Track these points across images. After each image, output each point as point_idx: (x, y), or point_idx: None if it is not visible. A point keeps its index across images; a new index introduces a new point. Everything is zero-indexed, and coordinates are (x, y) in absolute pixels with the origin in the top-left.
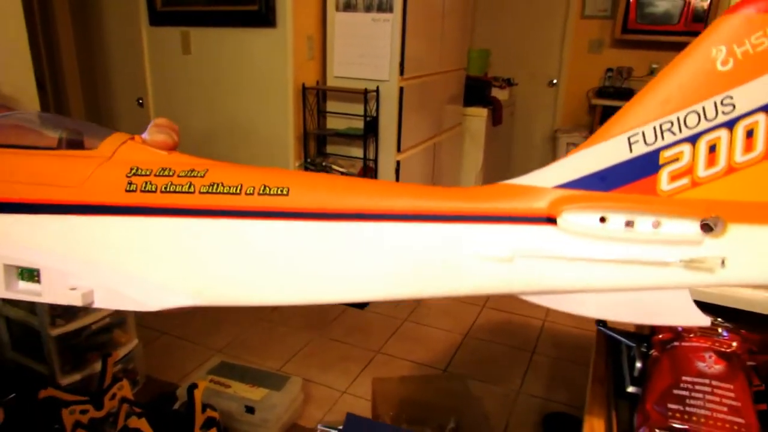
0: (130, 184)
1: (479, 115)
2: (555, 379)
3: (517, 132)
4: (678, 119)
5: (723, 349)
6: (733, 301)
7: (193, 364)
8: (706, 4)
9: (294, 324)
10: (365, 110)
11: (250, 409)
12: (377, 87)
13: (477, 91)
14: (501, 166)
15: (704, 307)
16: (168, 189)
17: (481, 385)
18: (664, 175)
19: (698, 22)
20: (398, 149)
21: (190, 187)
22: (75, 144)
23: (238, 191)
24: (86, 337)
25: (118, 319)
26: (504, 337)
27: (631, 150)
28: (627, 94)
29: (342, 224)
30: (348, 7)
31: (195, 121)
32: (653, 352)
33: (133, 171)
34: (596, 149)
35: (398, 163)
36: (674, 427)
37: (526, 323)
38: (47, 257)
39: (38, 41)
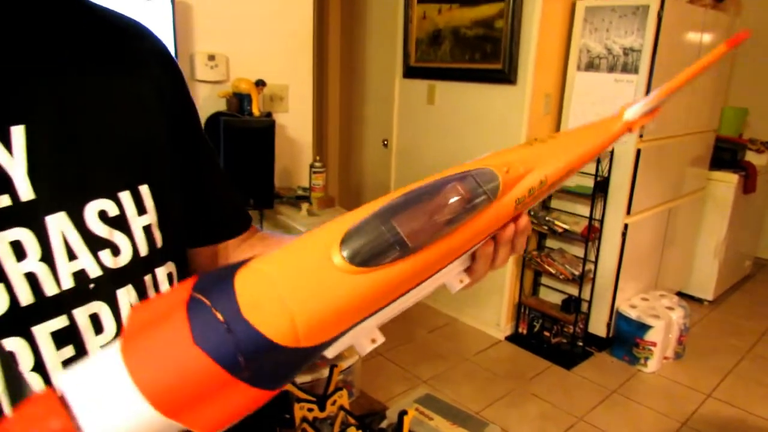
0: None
1: (728, 180)
2: None
3: None
4: None
5: None
6: None
7: (400, 388)
8: None
9: (497, 370)
10: (597, 170)
11: None
12: (612, 148)
13: (727, 153)
14: (749, 239)
15: None
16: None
17: None
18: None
19: None
20: (628, 212)
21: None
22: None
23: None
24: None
25: None
26: None
27: None
28: None
29: None
30: (590, 66)
31: (430, 162)
32: None
33: (518, 201)
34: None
35: (626, 225)
36: None
37: (763, 427)
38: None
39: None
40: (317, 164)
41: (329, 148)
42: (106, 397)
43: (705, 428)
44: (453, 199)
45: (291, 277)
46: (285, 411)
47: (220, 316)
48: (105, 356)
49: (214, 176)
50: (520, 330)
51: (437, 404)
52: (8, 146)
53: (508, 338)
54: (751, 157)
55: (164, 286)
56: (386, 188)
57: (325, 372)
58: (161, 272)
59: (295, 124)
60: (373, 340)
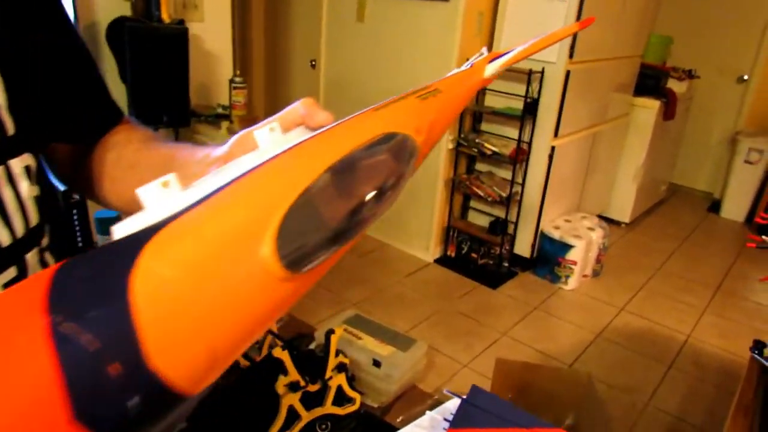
0: None
1: (650, 107)
2: (690, 400)
3: (690, 130)
4: None
5: None
6: None
7: (329, 311)
8: None
9: (425, 292)
10: (527, 91)
11: (376, 363)
12: (542, 68)
13: (651, 80)
14: (665, 164)
15: None
16: None
17: (608, 389)
18: None
19: None
20: (555, 134)
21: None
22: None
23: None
24: None
25: None
26: (640, 344)
27: None
28: None
29: None
30: None
31: (360, 83)
32: None
33: None
34: None
35: (553, 148)
36: None
37: (667, 335)
38: None
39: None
40: (237, 79)
41: (254, 65)
42: None
43: (617, 338)
44: (386, 176)
45: (208, 292)
46: None
47: (111, 370)
48: None
49: (81, 62)
50: (448, 253)
51: (365, 324)
52: None
53: (437, 261)
54: (672, 84)
55: (23, 182)
56: None
57: None
58: (16, 165)
59: (212, 35)
60: None
